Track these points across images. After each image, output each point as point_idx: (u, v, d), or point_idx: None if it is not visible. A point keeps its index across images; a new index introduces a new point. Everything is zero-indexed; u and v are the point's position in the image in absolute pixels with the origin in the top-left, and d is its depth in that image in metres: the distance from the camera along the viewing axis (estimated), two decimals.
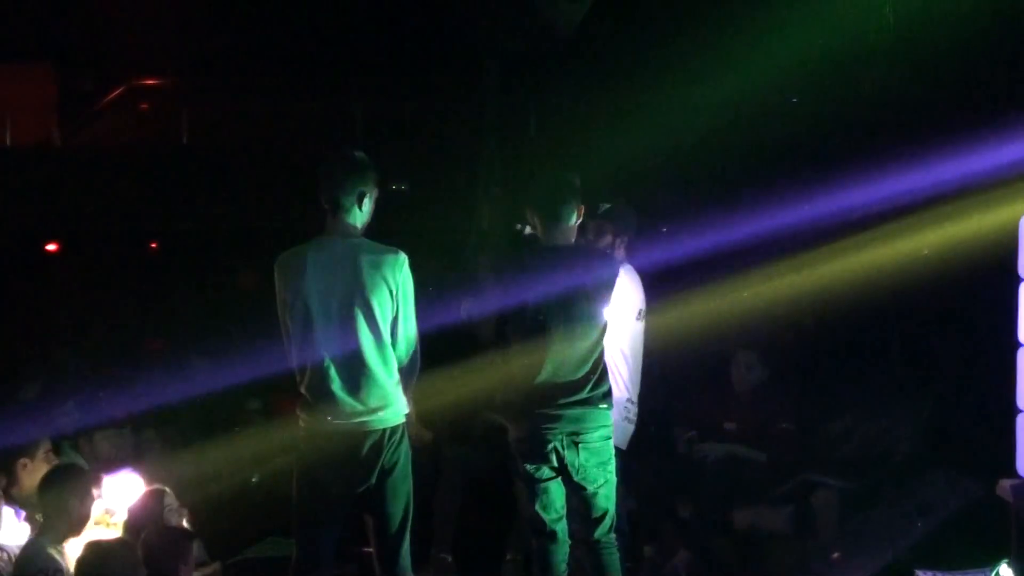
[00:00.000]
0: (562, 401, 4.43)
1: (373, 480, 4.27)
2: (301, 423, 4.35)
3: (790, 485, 6.07)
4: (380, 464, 4.26)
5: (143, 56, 12.86)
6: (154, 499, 5.22)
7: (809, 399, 6.66)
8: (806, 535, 5.95)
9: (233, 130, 13.04)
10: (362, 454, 4.25)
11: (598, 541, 4.53)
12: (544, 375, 4.43)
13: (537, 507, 4.51)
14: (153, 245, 13.96)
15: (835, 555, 5.51)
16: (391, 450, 4.28)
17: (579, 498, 4.52)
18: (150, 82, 12.98)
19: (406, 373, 4.37)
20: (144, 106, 13.32)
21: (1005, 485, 5.00)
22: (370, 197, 4.39)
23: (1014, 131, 5.67)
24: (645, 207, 8.27)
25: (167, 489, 5.46)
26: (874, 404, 6.45)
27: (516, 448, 4.54)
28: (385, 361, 4.28)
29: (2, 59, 12.60)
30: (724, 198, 8.03)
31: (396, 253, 4.33)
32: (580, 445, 4.44)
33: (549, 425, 4.43)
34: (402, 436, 4.34)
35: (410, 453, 4.39)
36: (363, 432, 4.25)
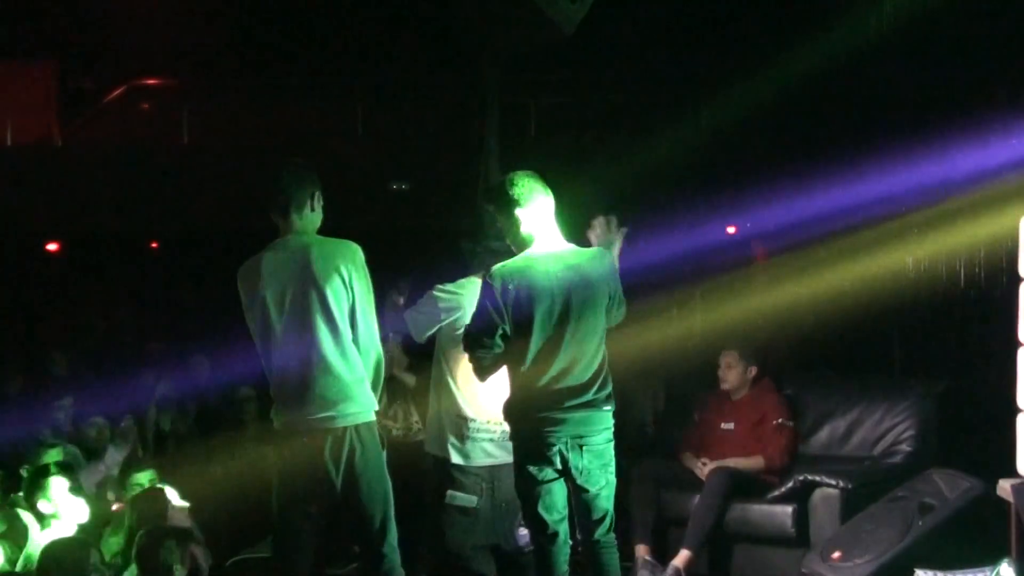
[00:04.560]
0: (568, 404, 4.36)
1: (339, 480, 4.21)
2: (275, 425, 4.34)
3: (790, 485, 6.07)
4: (345, 463, 4.21)
5: (143, 56, 12.86)
6: (157, 499, 5.22)
7: (809, 399, 6.66)
8: (806, 535, 5.95)
9: (233, 130, 13.04)
10: (325, 453, 4.20)
11: (598, 541, 4.50)
12: (549, 377, 4.36)
13: (539, 508, 4.44)
14: (154, 245, 13.98)
15: (835, 555, 5.50)
16: (358, 449, 4.22)
17: (580, 500, 4.47)
18: (151, 82, 12.98)
19: (371, 371, 4.32)
20: (145, 106, 13.32)
21: (1005, 485, 4.99)
22: (318, 200, 4.40)
23: (1015, 131, 5.67)
24: (644, 207, 8.31)
25: (166, 488, 5.46)
26: (874, 404, 6.45)
27: (518, 449, 4.48)
28: (344, 355, 4.23)
29: (3, 58, 12.60)
30: (722, 197, 8.03)
31: (348, 244, 4.32)
32: (584, 448, 4.39)
33: (553, 428, 4.36)
34: (370, 433, 4.28)
35: (382, 452, 4.32)
36: (324, 429, 4.21)
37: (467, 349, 4.39)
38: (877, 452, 6.33)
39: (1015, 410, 4.97)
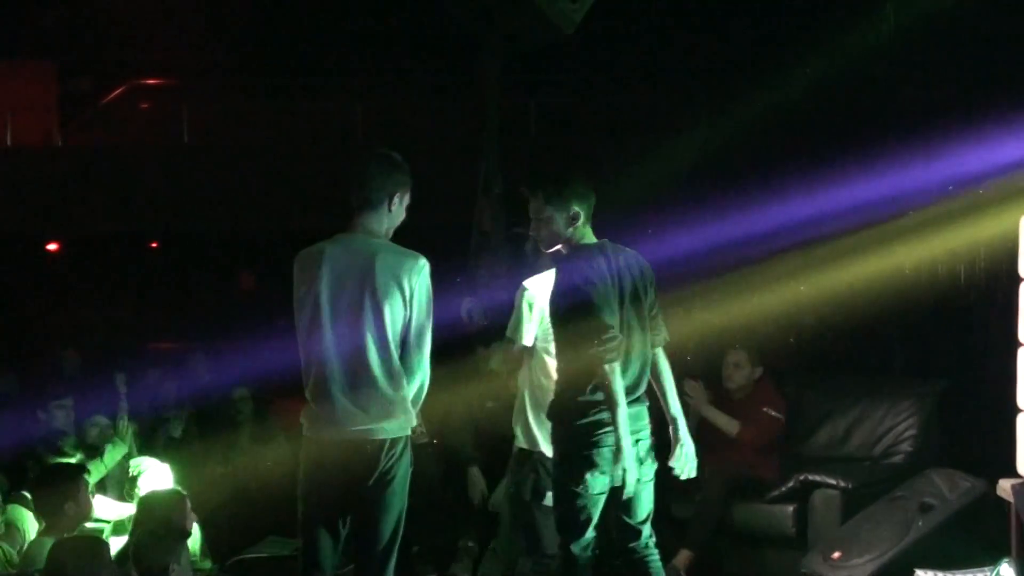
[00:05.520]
0: (628, 400, 4.17)
1: (369, 488, 4.11)
2: (304, 431, 4.20)
3: (790, 485, 6.07)
4: (377, 474, 4.09)
5: (143, 56, 12.86)
6: (162, 501, 5.20)
7: (809, 399, 6.65)
8: (806, 535, 5.95)
9: (233, 130, 13.05)
10: (361, 463, 4.08)
11: (648, 544, 4.33)
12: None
13: (583, 517, 4.23)
14: (153, 245, 13.99)
15: (835, 555, 5.50)
16: (390, 462, 4.10)
17: (627, 500, 4.24)
18: (151, 82, 12.99)
19: (414, 385, 4.17)
20: (145, 106, 13.33)
21: (1005, 485, 4.99)
22: (400, 200, 4.19)
23: (1014, 131, 5.66)
24: (642, 207, 8.31)
25: (181, 492, 5.45)
26: (874, 404, 6.45)
27: (572, 451, 4.20)
28: (390, 370, 4.08)
29: (2, 58, 12.61)
30: (722, 197, 8.03)
31: (416, 258, 4.12)
32: (640, 443, 4.23)
33: (610, 428, 4.14)
34: (404, 449, 4.15)
35: (410, 470, 4.20)
36: (362, 441, 4.08)
37: (593, 337, 4.08)
38: (877, 452, 6.32)
39: (1015, 410, 4.97)
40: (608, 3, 7.09)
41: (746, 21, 9.61)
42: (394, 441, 4.12)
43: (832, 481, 5.94)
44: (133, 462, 5.94)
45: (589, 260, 4.23)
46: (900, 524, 5.49)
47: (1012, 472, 4.98)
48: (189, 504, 5.19)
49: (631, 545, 4.34)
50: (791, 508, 6.01)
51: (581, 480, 4.18)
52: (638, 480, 4.20)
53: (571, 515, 4.25)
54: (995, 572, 4.75)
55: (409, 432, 4.20)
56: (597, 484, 4.20)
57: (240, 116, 13.16)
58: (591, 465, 4.17)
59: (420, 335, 4.14)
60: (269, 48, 13.28)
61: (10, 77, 12.56)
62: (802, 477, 6.03)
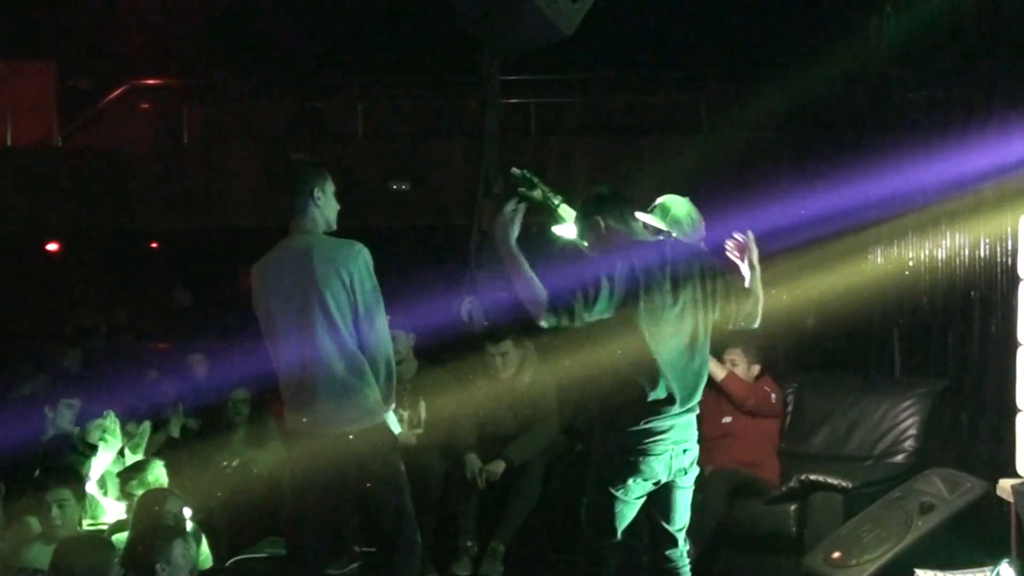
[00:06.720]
0: (676, 411, 4.07)
1: (351, 485, 4.14)
2: (287, 424, 4.30)
3: (790, 485, 6.07)
4: (359, 466, 4.13)
5: (143, 56, 12.87)
6: (155, 500, 5.20)
7: (809, 399, 6.65)
8: (806, 535, 5.94)
9: (233, 130, 13.06)
10: (332, 460, 4.11)
11: (682, 555, 4.28)
12: (663, 379, 4.04)
13: (617, 521, 4.16)
14: (153, 245, 13.98)
15: (835, 555, 5.50)
16: (369, 451, 4.14)
17: (673, 498, 4.20)
18: (151, 82, 13.00)
19: (380, 374, 4.19)
20: (145, 105, 13.34)
21: (1005, 485, 4.99)
22: (323, 191, 4.26)
23: (1014, 131, 5.66)
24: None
25: (175, 492, 5.45)
26: (874, 404, 6.44)
27: (613, 457, 4.11)
28: (348, 362, 4.13)
29: (2, 58, 12.61)
30: (721, 196, 8.03)
31: (351, 245, 4.19)
32: (687, 452, 4.17)
33: (660, 437, 4.07)
34: (380, 435, 4.19)
35: (395, 460, 4.23)
36: (330, 435, 4.12)
37: (569, 302, 3.92)
38: (877, 452, 6.32)
39: (1015, 410, 4.96)
40: (608, 3, 7.08)
41: (746, 23, 9.62)
42: (365, 431, 4.16)
43: (832, 481, 5.93)
44: (136, 462, 5.94)
45: (630, 254, 4.06)
46: (900, 524, 5.48)
47: (1012, 472, 4.97)
48: (180, 502, 5.20)
49: (667, 552, 4.31)
50: (791, 508, 6.00)
51: (623, 483, 4.12)
52: (679, 487, 4.21)
53: (605, 516, 4.18)
54: (995, 572, 4.75)
55: (381, 419, 4.21)
56: (638, 488, 4.15)
57: (240, 116, 13.18)
58: (636, 471, 4.11)
59: (371, 319, 4.17)
60: (269, 48, 13.30)
61: (10, 77, 12.56)
62: (802, 477, 6.02)
